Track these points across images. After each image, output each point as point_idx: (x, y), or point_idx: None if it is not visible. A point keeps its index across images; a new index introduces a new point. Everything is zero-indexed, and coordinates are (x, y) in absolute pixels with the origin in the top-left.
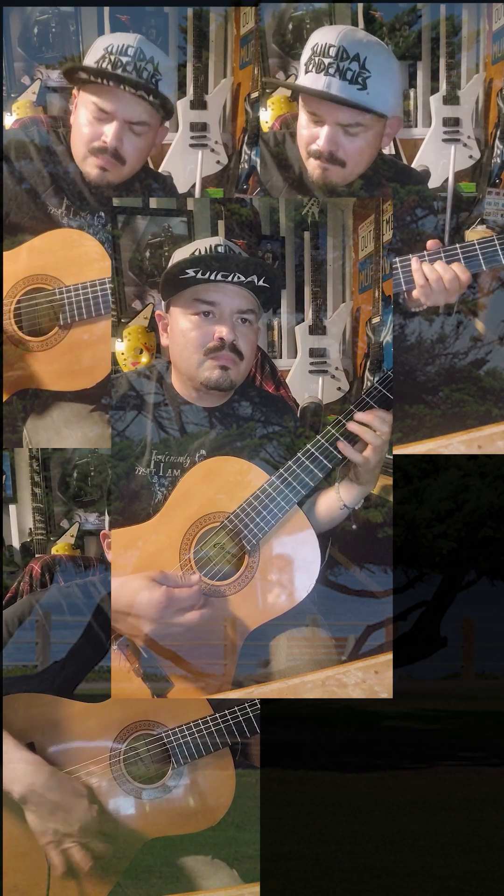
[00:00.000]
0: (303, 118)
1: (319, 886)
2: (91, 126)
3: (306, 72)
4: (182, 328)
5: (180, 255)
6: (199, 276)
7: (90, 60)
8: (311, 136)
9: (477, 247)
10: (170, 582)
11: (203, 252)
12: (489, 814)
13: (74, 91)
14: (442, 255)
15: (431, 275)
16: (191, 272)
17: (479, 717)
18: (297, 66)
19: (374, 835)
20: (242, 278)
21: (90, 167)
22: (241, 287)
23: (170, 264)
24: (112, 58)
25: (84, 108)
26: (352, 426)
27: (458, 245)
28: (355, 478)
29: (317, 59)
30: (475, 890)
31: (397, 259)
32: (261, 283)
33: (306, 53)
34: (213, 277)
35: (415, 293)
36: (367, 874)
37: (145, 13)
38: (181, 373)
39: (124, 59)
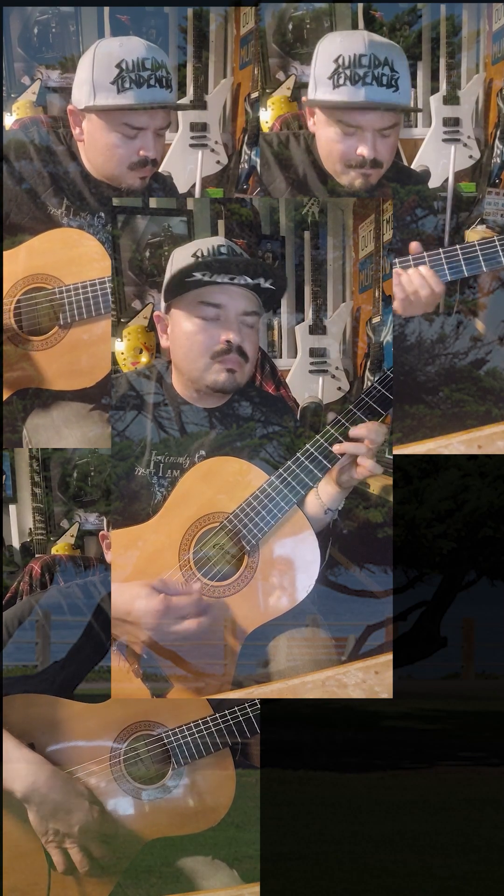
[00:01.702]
0: (331, 133)
1: (319, 886)
2: (125, 145)
3: (336, 86)
4: (186, 331)
5: (180, 254)
6: (205, 278)
7: (104, 79)
8: (349, 148)
9: (478, 248)
10: (169, 589)
11: (206, 253)
12: (489, 814)
13: (79, 113)
14: (411, 261)
15: (409, 287)
16: (198, 275)
17: (479, 717)
18: (308, 76)
19: (374, 835)
20: (249, 280)
21: (131, 180)
22: (245, 288)
23: (171, 265)
24: (133, 76)
25: (108, 132)
26: (345, 446)
27: (458, 246)
28: (345, 483)
29: (348, 71)
30: (475, 890)
31: (397, 260)
32: (267, 284)
33: (328, 66)
34: (218, 280)
35: (394, 305)
36: (367, 874)
37: (145, 13)
38: (184, 375)
39: (145, 74)
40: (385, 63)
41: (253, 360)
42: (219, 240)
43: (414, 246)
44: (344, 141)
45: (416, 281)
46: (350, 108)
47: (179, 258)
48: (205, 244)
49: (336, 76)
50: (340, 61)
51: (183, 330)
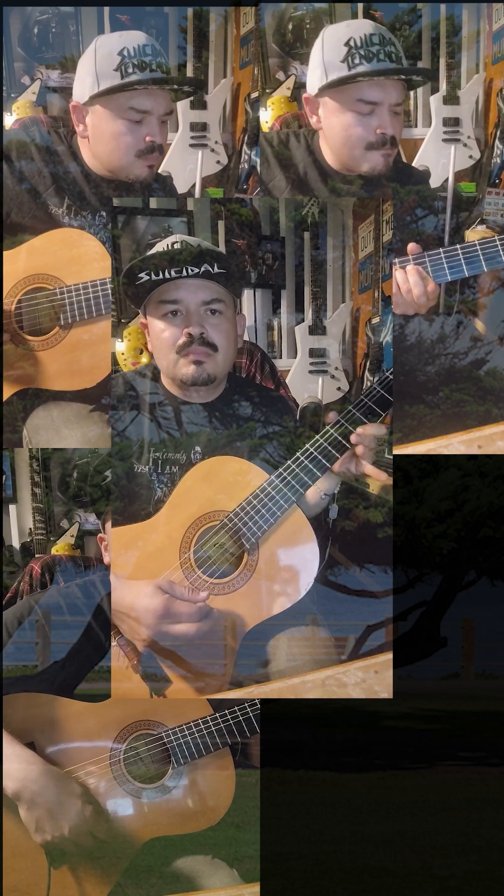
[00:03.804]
0: (347, 119)
1: (319, 886)
2: (132, 132)
3: (352, 66)
4: (156, 332)
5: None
6: (153, 277)
7: (107, 68)
8: (368, 128)
9: (478, 247)
10: (175, 592)
11: (160, 251)
12: (489, 814)
13: (82, 108)
14: (411, 261)
15: (403, 286)
16: (143, 276)
17: (479, 717)
18: (302, 66)
19: (374, 835)
20: (196, 269)
21: (139, 169)
22: (202, 279)
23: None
24: (136, 61)
25: (114, 120)
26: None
27: (458, 246)
28: (344, 475)
29: (362, 51)
30: (475, 890)
31: (396, 259)
32: (216, 269)
33: (339, 51)
34: (167, 276)
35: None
36: (367, 874)
37: (145, 13)
38: (165, 374)
39: (147, 60)
40: (390, 42)
41: (226, 348)
42: (174, 238)
43: (412, 247)
44: (361, 124)
45: (411, 279)
46: (369, 84)
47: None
48: (162, 244)
49: (351, 56)
50: (351, 43)
51: (154, 332)
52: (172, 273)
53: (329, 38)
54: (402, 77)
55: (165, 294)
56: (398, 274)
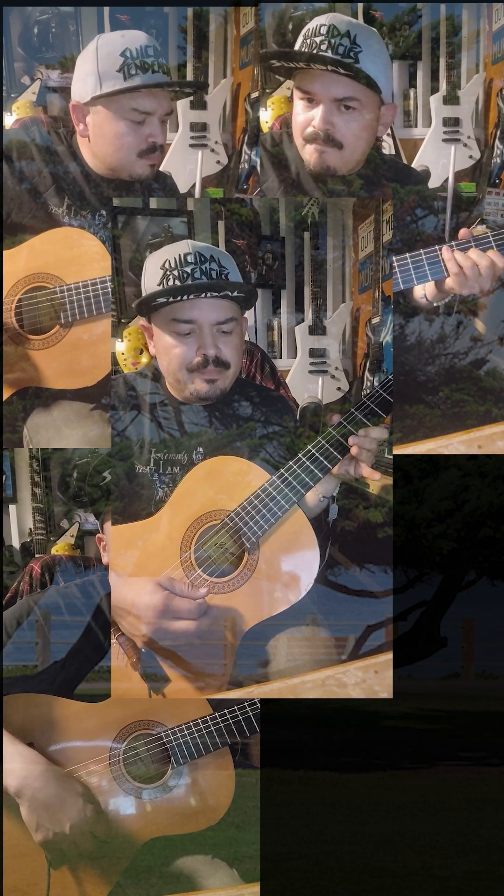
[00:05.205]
0: (297, 106)
1: (319, 886)
2: (134, 133)
3: (297, 54)
4: (165, 345)
5: (152, 262)
6: (170, 300)
7: (110, 68)
8: (307, 119)
9: (473, 244)
10: (175, 589)
11: (173, 264)
12: (489, 814)
13: (83, 108)
14: (472, 243)
15: (465, 262)
16: (162, 300)
17: (479, 717)
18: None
19: (374, 835)
20: (216, 294)
21: (141, 168)
22: (216, 298)
23: (143, 274)
24: (138, 62)
25: (116, 121)
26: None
27: (453, 242)
28: (342, 476)
29: (308, 40)
30: (475, 890)
31: (395, 258)
32: (236, 293)
33: (298, 42)
34: (185, 297)
35: (448, 283)
36: (367, 874)
37: (145, 13)
38: (170, 383)
39: (150, 61)
40: (345, 35)
41: (236, 363)
42: (185, 246)
43: (464, 232)
44: (303, 112)
45: (473, 254)
46: (309, 75)
47: (150, 269)
48: (172, 253)
49: (301, 47)
50: (306, 33)
51: (163, 342)
52: (192, 296)
53: (103, 47)
54: (349, 73)
55: (179, 312)
56: (458, 256)
